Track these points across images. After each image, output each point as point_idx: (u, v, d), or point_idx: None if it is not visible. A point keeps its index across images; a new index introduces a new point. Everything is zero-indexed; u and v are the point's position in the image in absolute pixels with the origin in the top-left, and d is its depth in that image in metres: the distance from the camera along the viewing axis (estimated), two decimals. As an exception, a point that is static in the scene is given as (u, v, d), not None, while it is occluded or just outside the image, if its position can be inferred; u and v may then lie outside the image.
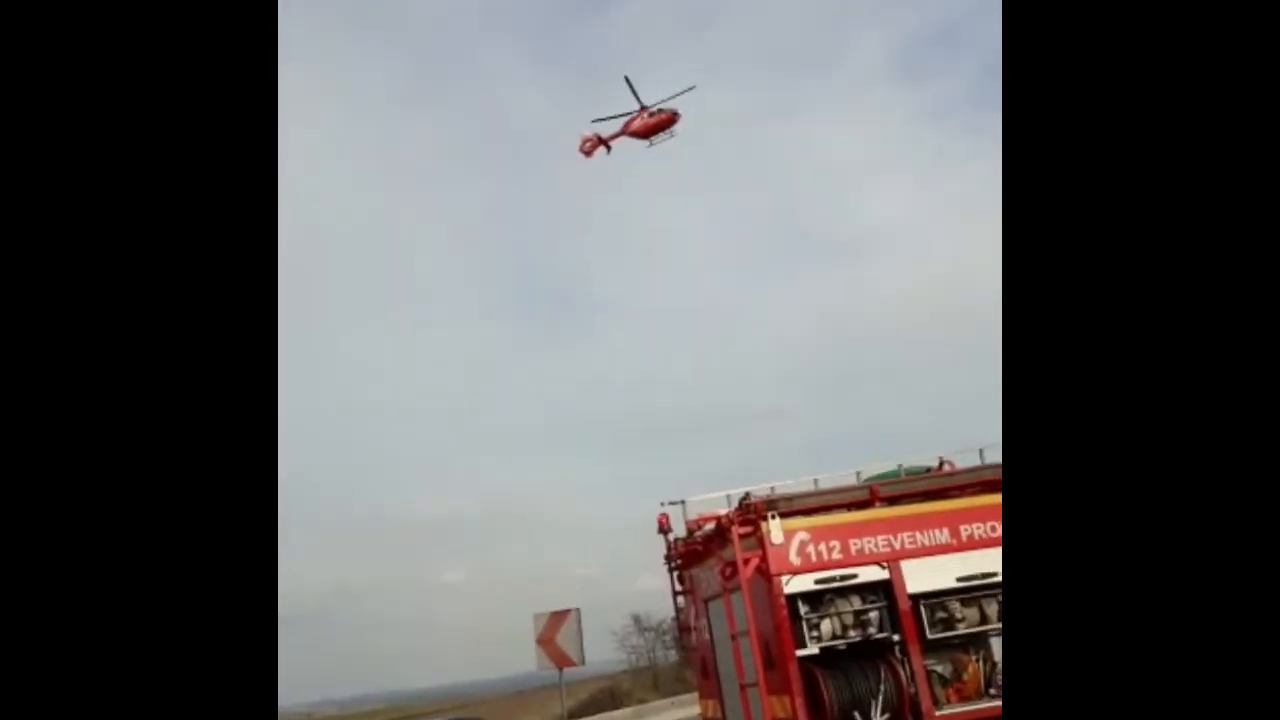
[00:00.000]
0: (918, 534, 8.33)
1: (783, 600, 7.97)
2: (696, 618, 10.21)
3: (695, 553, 9.82)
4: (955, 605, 8.23)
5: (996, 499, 8.44)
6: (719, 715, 9.57)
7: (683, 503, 9.83)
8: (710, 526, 9.27)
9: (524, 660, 14.11)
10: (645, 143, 27.20)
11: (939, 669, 8.28)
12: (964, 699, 8.13)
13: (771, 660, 8.03)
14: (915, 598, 8.16)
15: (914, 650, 8.03)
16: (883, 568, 8.21)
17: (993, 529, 8.36)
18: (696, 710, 11.23)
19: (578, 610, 13.11)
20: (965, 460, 9.33)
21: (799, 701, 7.73)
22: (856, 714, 7.78)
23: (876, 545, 8.26)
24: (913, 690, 7.91)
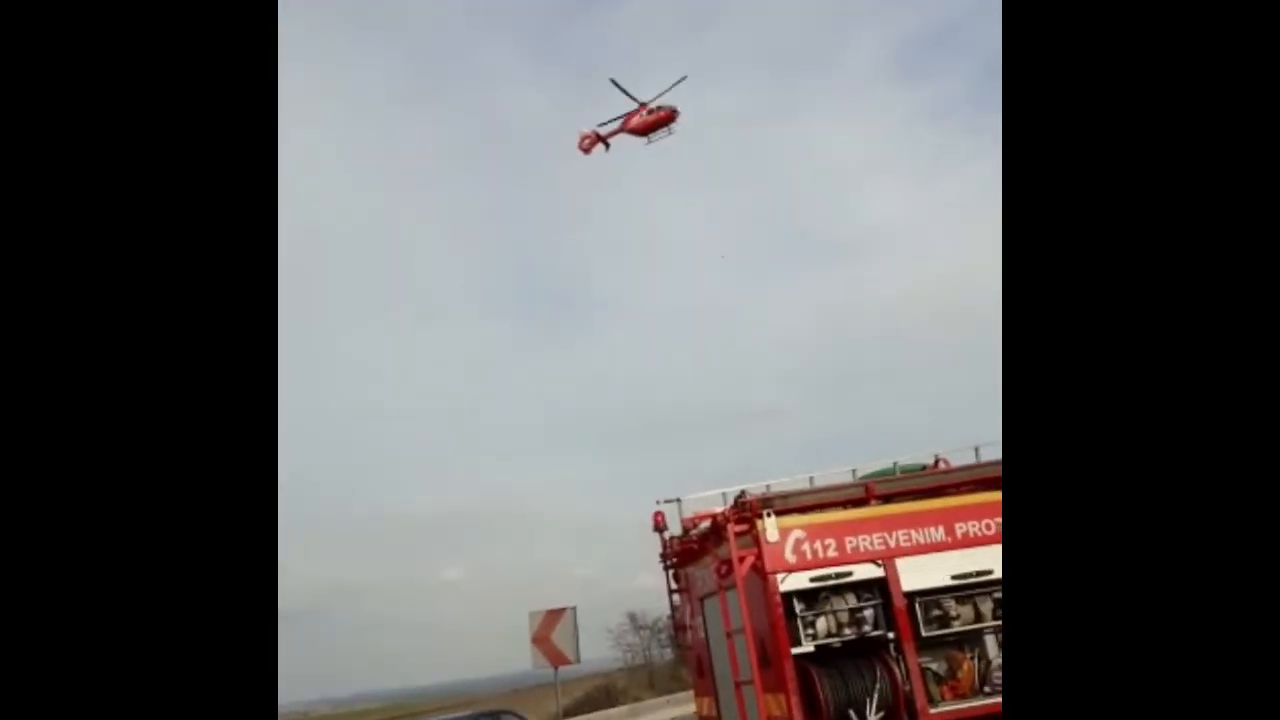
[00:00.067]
0: (913, 532, 8.35)
1: (778, 598, 7.99)
2: (692, 616, 10.22)
3: (691, 551, 9.83)
4: (950, 603, 8.25)
5: (992, 497, 8.47)
6: (714, 713, 9.59)
7: (678, 501, 9.84)
8: (706, 525, 9.29)
9: (520, 658, 14.13)
10: (644, 140, 27.16)
11: (934, 667, 8.31)
12: (959, 697, 8.15)
13: (767, 658, 8.05)
14: (910, 595, 8.18)
15: (909, 648, 8.05)
16: (878, 565, 8.23)
17: (988, 527, 8.38)
18: (692, 708, 11.25)
19: (573, 608, 13.12)
20: (960, 458, 9.36)
21: (794, 699, 7.75)
22: (852, 712, 7.80)
23: (872, 543, 8.28)
24: (908, 688, 7.93)
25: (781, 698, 7.85)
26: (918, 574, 8.24)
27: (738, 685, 8.51)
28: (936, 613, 8.22)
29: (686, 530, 9.83)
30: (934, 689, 8.16)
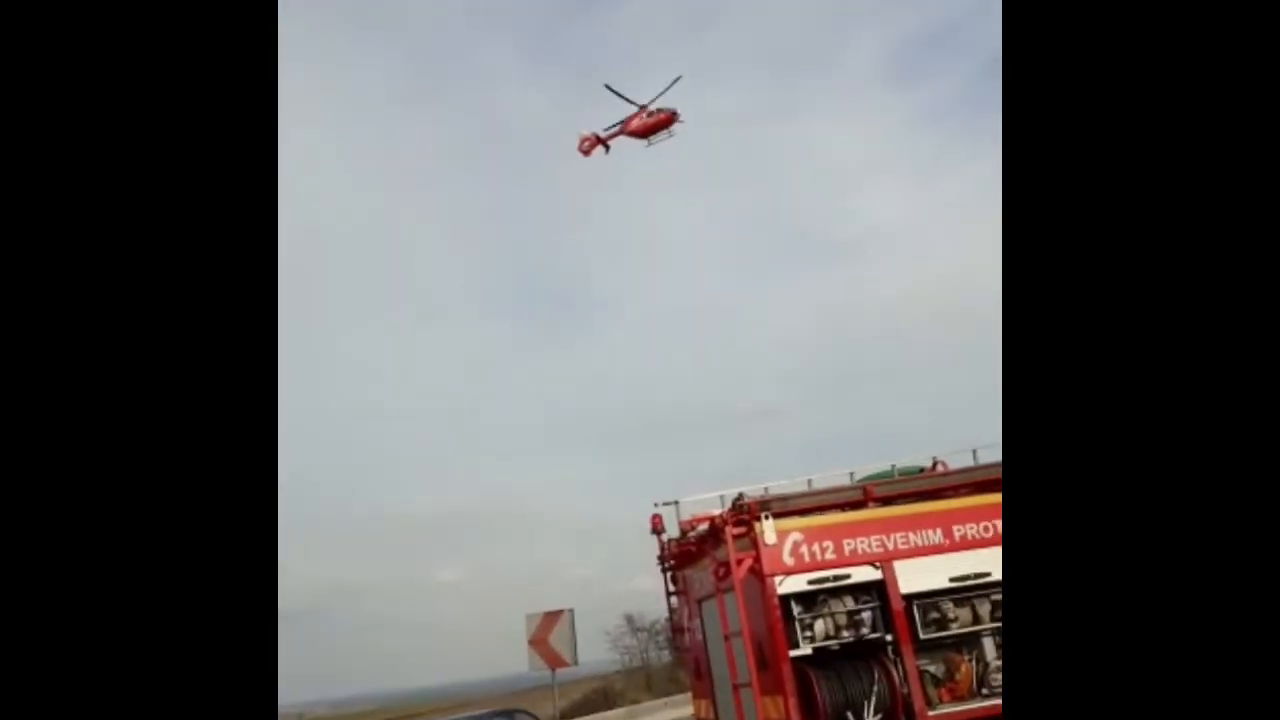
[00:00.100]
0: (911, 534, 8.35)
1: (776, 601, 7.99)
2: (690, 618, 10.22)
3: (689, 553, 9.83)
4: (948, 605, 8.25)
5: (990, 499, 8.48)
6: (712, 716, 9.58)
7: (676, 503, 9.84)
8: (704, 527, 9.29)
9: (517, 660, 14.11)
10: (644, 142, 27.16)
11: (932, 669, 8.31)
12: (957, 699, 8.15)
13: (765, 661, 8.05)
14: (908, 598, 8.18)
15: (907, 650, 8.05)
16: (876, 568, 8.23)
17: (985, 529, 8.39)
18: (689, 711, 11.24)
19: (571, 611, 13.11)
20: (958, 461, 9.37)
21: (792, 702, 7.75)
22: (849, 714, 7.80)
23: (870, 545, 8.28)
24: (905, 690, 7.93)
25: (779, 700, 7.85)
26: (916, 576, 8.24)
27: (735, 688, 8.51)
28: (934, 615, 8.22)
29: (684, 532, 9.84)
30: (932, 691, 8.16)
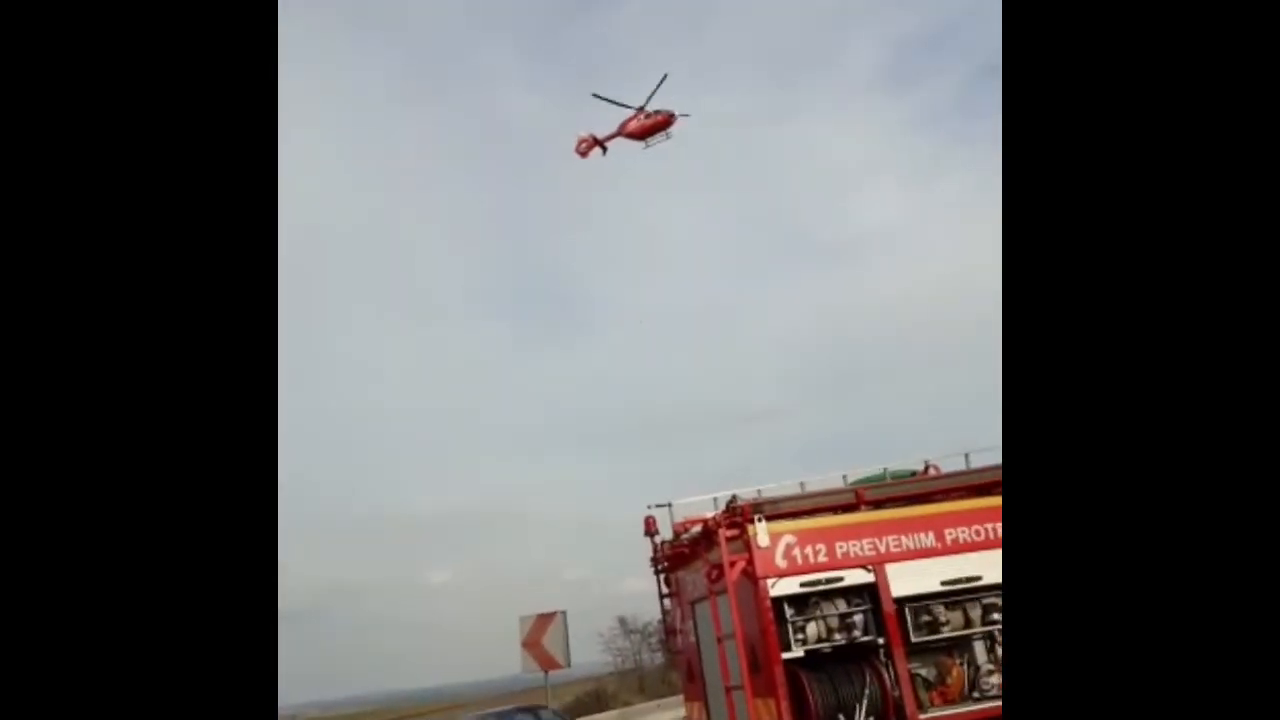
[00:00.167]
0: (903, 537, 8.37)
1: (768, 603, 8.00)
2: (683, 620, 10.22)
3: (682, 555, 9.84)
4: (940, 609, 8.28)
5: (982, 503, 8.51)
6: (705, 718, 9.59)
7: (669, 505, 9.84)
8: (697, 529, 9.30)
9: (511, 662, 14.08)
10: (641, 144, 27.14)
11: (923, 672, 8.33)
12: (948, 702, 8.18)
13: (757, 663, 8.06)
14: (900, 601, 8.21)
15: (898, 654, 8.07)
16: (868, 571, 8.25)
17: (978, 533, 8.42)
18: (682, 713, 11.24)
19: (563, 613, 13.09)
20: (951, 464, 9.39)
21: (784, 705, 7.76)
22: (841, 717, 7.81)
23: (862, 548, 8.30)
24: (897, 693, 7.95)
25: (771, 703, 7.86)
26: (908, 579, 8.27)
27: (728, 690, 8.52)
28: (926, 618, 8.24)
29: (677, 535, 9.84)
30: (923, 694, 8.19)
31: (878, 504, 8.68)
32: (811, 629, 8.14)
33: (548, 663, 12.86)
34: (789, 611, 8.11)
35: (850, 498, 8.73)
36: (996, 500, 8.41)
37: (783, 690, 7.79)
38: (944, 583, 8.29)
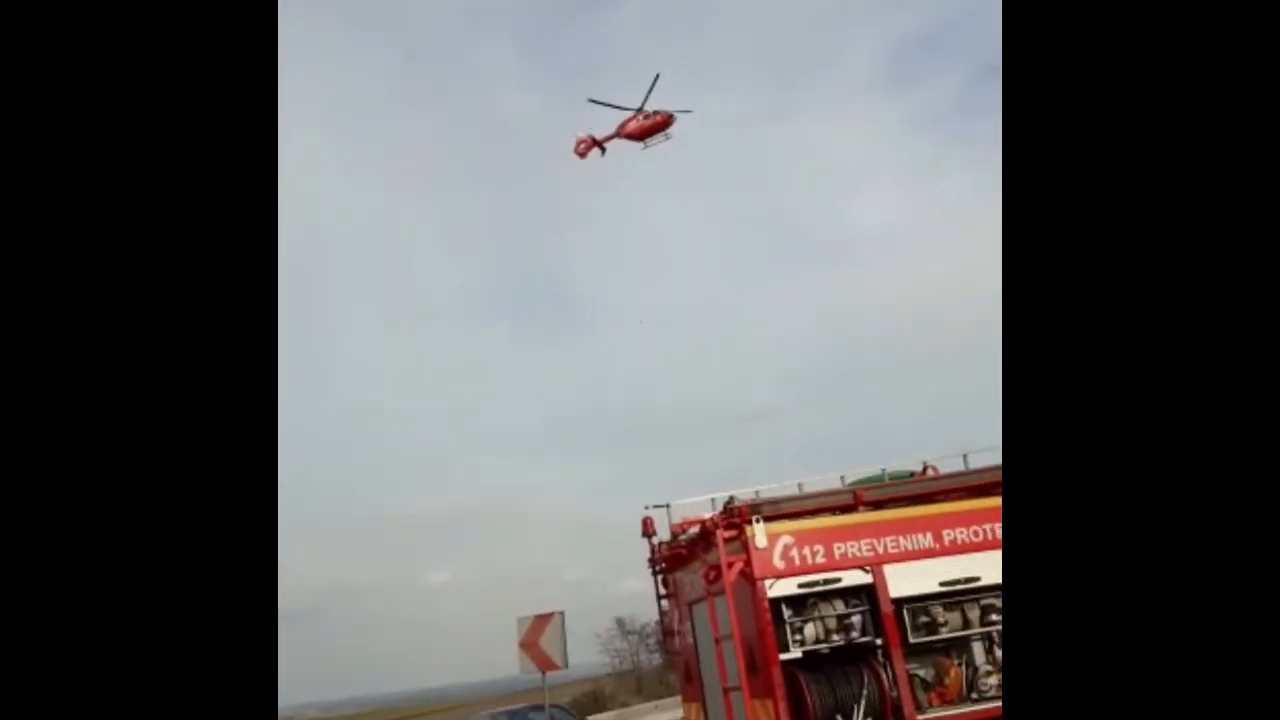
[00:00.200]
0: (901, 538, 8.38)
1: (766, 604, 8.00)
2: (680, 621, 10.22)
3: (680, 556, 9.84)
4: (938, 610, 8.28)
5: (980, 504, 8.52)
6: (702, 719, 9.59)
7: (667, 506, 9.84)
8: (694, 530, 9.30)
9: (508, 663, 14.07)
10: (640, 145, 27.16)
11: (921, 673, 8.34)
12: (946, 703, 8.18)
13: (755, 664, 8.06)
14: (898, 602, 8.21)
15: (896, 654, 8.08)
16: (866, 572, 8.26)
17: (976, 533, 8.43)
18: (679, 714, 11.24)
19: (561, 614, 13.08)
20: (949, 465, 9.39)
21: (782, 706, 7.76)
22: (839, 718, 7.82)
23: (860, 549, 8.31)
24: (895, 694, 7.95)
25: (769, 704, 7.86)
26: (906, 580, 8.27)
27: (726, 691, 8.52)
28: (924, 619, 8.25)
29: (675, 535, 9.84)
30: (921, 695, 8.19)
31: (876, 505, 8.69)
32: (809, 630, 8.14)
33: (545, 663, 12.85)
34: (787, 612, 8.11)
35: (848, 498, 8.73)
36: (995, 501, 8.42)
37: (780, 691, 7.79)
38: (942, 583, 8.30)
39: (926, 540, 8.40)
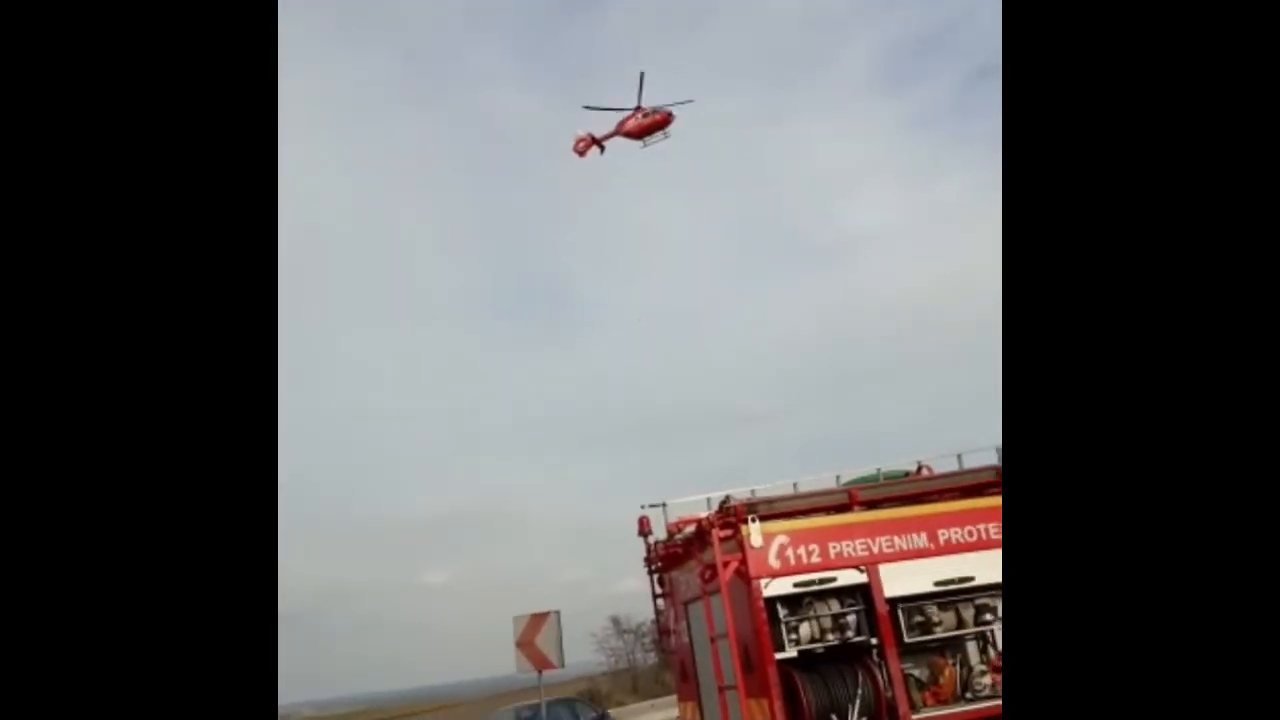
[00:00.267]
0: (896, 538, 8.40)
1: (762, 603, 8.02)
2: (676, 620, 10.24)
3: (675, 555, 9.85)
4: (932, 609, 8.31)
5: (975, 504, 8.55)
6: (698, 718, 9.60)
7: (663, 505, 9.86)
8: (690, 529, 9.31)
9: (505, 662, 14.06)
10: (639, 143, 27.14)
11: (916, 673, 8.37)
12: (940, 702, 8.21)
13: (750, 663, 8.08)
14: (893, 601, 8.23)
15: (891, 654, 8.10)
16: (861, 571, 8.28)
17: (970, 533, 8.45)
18: (675, 713, 11.26)
19: (557, 613, 13.07)
20: (944, 465, 9.42)
21: (777, 705, 7.78)
22: (834, 717, 7.83)
23: (855, 549, 8.33)
24: (890, 694, 7.97)
25: (764, 703, 7.88)
26: (900, 580, 8.30)
27: (721, 690, 8.54)
28: (919, 619, 8.27)
29: (671, 535, 9.85)
30: (916, 695, 8.22)
31: (871, 504, 8.71)
32: (805, 629, 8.16)
33: (541, 662, 12.84)
34: (782, 612, 8.13)
35: (844, 498, 8.75)
36: (989, 501, 8.45)
37: (776, 690, 7.81)
38: (937, 583, 8.33)
39: (921, 540, 8.42)
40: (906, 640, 8.19)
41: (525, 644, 12.89)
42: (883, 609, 8.18)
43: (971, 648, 8.67)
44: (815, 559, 8.24)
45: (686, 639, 9.80)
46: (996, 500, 8.35)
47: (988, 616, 8.36)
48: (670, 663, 12.36)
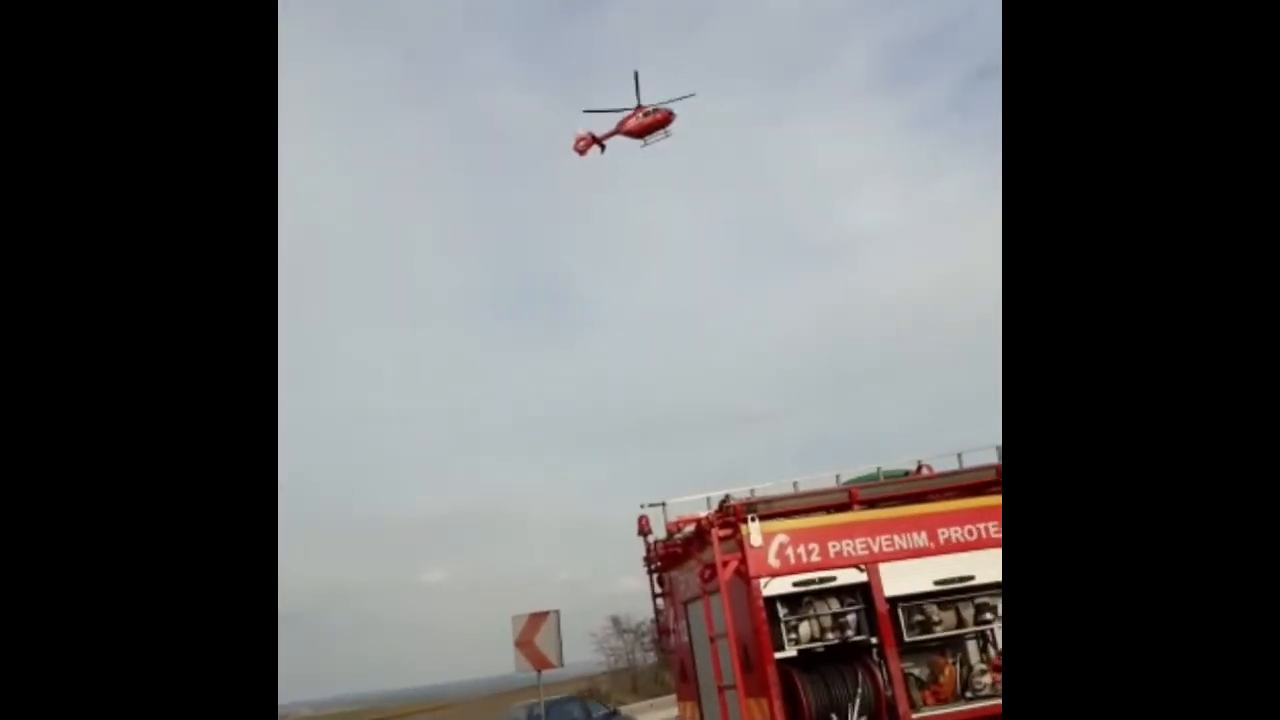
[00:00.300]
0: (895, 537, 8.40)
1: (761, 603, 8.02)
2: (676, 620, 10.23)
3: (675, 555, 9.85)
4: (932, 608, 8.30)
5: (974, 503, 8.54)
6: (697, 718, 9.60)
7: (663, 505, 9.85)
8: (690, 529, 9.31)
9: (504, 662, 14.06)
10: (640, 142, 27.15)
11: (916, 672, 8.37)
12: (940, 702, 8.21)
13: (750, 663, 8.07)
14: (893, 601, 8.23)
15: (891, 653, 8.09)
16: (861, 570, 8.28)
17: (970, 532, 8.45)
18: (675, 713, 11.26)
19: (556, 612, 13.07)
20: (943, 464, 9.42)
21: (777, 704, 7.78)
22: (834, 716, 7.83)
23: (855, 548, 8.32)
24: (889, 693, 7.97)
25: (764, 702, 7.88)
26: (900, 579, 8.29)
27: (720, 689, 8.54)
28: (919, 618, 8.27)
29: (671, 534, 9.85)
30: (916, 694, 8.22)
31: (871, 504, 8.71)
32: (804, 628, 8.16)
33: (540, 662, 12.84)
34: (782, 611, 8.13)
35: (843, 497, 8.75)
36: (989, 500, 8.45)
37: (775, 690, 7.81)
38: (937, 582, 8.32)
39: (921, 539, 8.42)
40: (906, 639, 8.19)
41: (524, 643, 12.89)
42: (882, 608, 8.18)
43: (971, 647, 8.67)
44: (815, 558, 8.24)
45: (686, 638, 9.80)
46: (996, 499, 8.35)
47: (987, 615, 8.36)
48: (670, 662, 12.36)
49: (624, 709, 26.86)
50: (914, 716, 7.97)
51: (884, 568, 8.28)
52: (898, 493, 8.97)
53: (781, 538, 8.25)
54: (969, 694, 8.26)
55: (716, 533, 8.32)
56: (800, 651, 8.09)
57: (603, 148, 27.54)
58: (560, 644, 12.91)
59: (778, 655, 7.95)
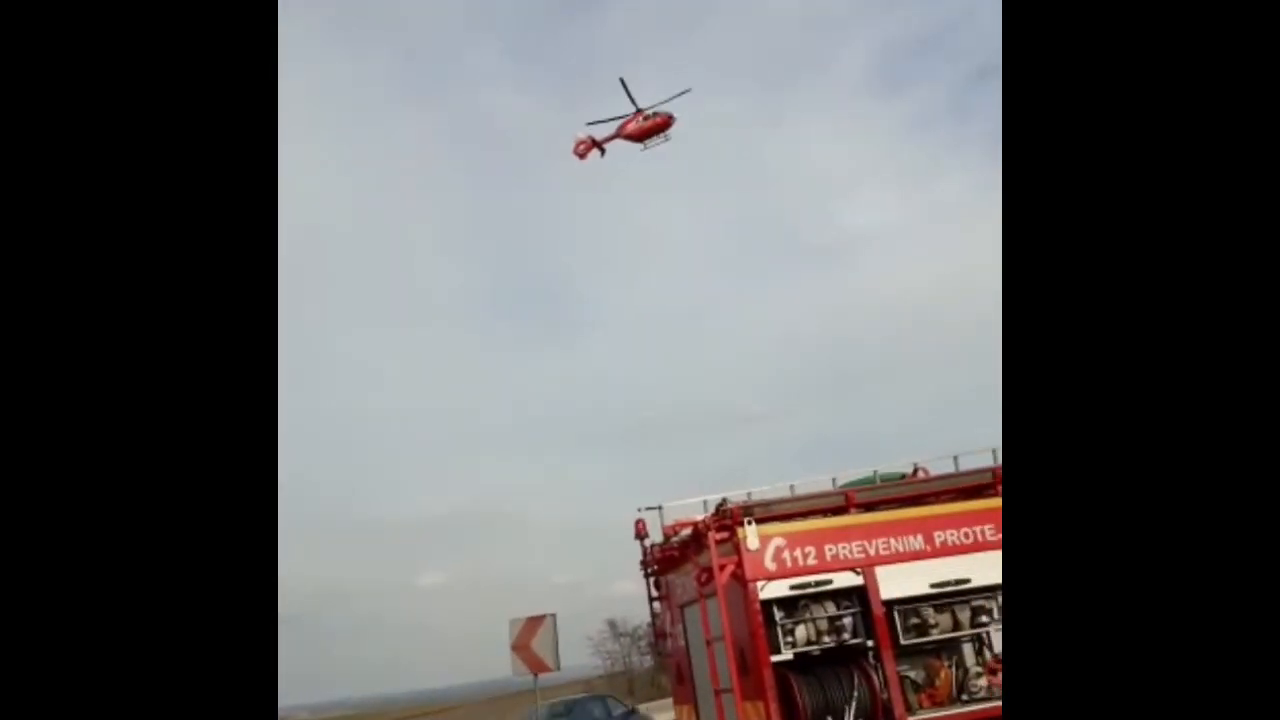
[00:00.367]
0: (892, 540, 8.40)
1: (758, 606, 8.01)
2: (672, 623, 10.23)
3: (672, 558, 9.85)
4: (929, 611, 8.30)
5: (971, 506, 8.55)
6: (694, 720, 9.60)
7: (660, 508, 9.85)
8: (687, 532, 9.31)
9: (501, 665, 14.03)
10: (639, 146, 27.17)
11: (912, 675, 8.37)
12: (936, 705, 8.21)
13: (746, 666, 8.07)
14: (889, 604, 8.23)
15: (887, 656, 8.10)
16: (857, 573, 8.28)
17: (966, 535, 8.46)
18: (671, 716, 11.25)
19: (553, 616, 13.06)
20: (940, 467, 9.43)
21: (773, 707, 7.77)
22: (830, 719, 7.83)
23: (851, 551, 8.32)
24: (886, 696, 7.97)
25: (760, 705, 7.87)
26: (897, 582, 8.29)
27: (717, 693, 8.53)
28: (915, 621, 8.27)
29: (667, 537, 9.85)
30: (912, 697, 8.22)
31: (867, 507, 8.71)
32: (801, 631, 8.16)
33: (537, 666, 12.82)
34: (778, 614, 8.12)
35: (840, 500, 8.75)
36: (985, 503, 8.46)
37: (772, 693, 7.81)
38: (933, 585, 8.32)
39: (917, 542, 8.42)
40: (902, 642, 8.19)
41: (521, 647, 12.88)
42: (879, 611, 8.18)
43: (967, 650, 8.68)
44: (811, 561, 8.23)
45: (683, 642, 9.79)
46: (992, 502, 8.37)
47: (984, 618, 8.36)
48: (666, 666, 12.36)
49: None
50: (910, 719, 7.97)
51: (880, 571, 8.28)
52: (894, 496, 8.97)
53: (778, 541, 8.25)
54: (965, 697, 8.26)
55: (713, 536, 8.32)
56: (797, 655, 8.08)
57: (603, 151, 27.57)
58: (557, 647, 12.89)
59: (774, 658, 7.95)
